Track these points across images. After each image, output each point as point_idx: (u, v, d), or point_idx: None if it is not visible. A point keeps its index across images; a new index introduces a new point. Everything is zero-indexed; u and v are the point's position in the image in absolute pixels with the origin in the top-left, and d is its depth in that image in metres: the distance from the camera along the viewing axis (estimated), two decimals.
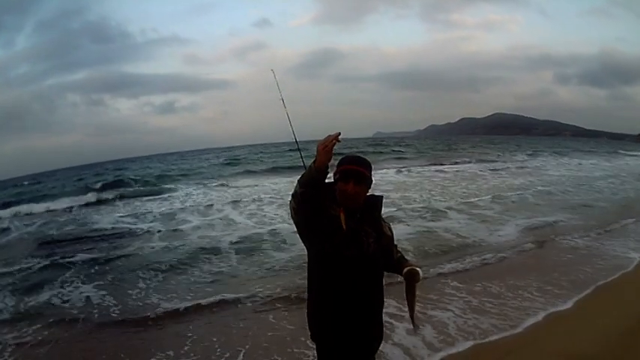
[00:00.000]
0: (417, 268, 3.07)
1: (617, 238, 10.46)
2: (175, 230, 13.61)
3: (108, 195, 23.59)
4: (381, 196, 3.21)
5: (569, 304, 6.72)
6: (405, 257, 3.26)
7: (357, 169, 2.96)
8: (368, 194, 3.06)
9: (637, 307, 6.37)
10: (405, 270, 3.06)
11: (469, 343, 5.71)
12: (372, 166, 3.06)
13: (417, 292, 3.12)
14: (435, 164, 34.65)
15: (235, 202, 17.83)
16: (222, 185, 25.05)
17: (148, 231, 13.80)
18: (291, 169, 30.04)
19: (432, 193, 18.77)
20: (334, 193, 3.02)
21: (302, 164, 3.48)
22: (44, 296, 8.29)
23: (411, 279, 3.06)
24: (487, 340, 5.78)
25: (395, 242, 3.26)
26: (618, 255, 9.07)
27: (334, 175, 3.02)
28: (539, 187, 19.47)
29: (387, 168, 30.52)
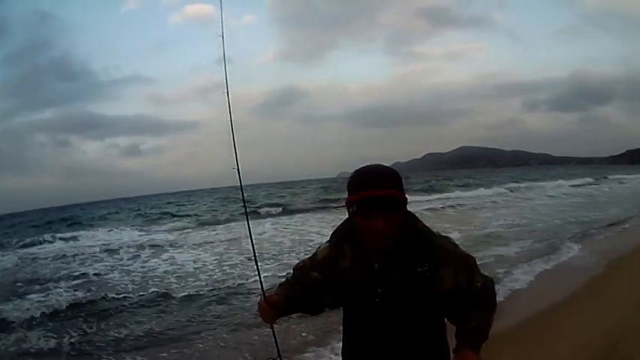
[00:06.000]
0: None
1: None
2: None
3: None
4: (423, 225, 2.09)
5: None
6: (474, 322, 2.10)
7: (383, 194, 1.91)
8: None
9: None
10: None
11: None
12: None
13: None
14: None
15: None
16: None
17: None
18: None
19: None
20: (351, 228, 2.10)
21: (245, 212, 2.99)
22: None
23: None
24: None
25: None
26: None
27: (349, 205, 2.03)
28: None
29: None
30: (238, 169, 2.80)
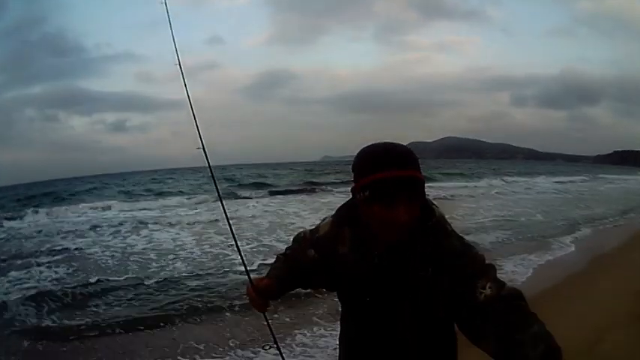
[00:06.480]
0: None
1: None
2: None
3: None
4: (437, 221, 1.73)
5: None
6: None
7: (407, 176, 1.60)
8: None
9: None
10: None
11: None
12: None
13: None
14: None
15: None
16: None
17: None
18: None
19: None
20: (353, 213, 1.82)
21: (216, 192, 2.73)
22: None
23: None
24: None
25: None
26: None
27: (357, 191, 1.70)
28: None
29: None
30: (204, 148, 2.59)
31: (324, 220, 2.04)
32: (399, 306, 1.72)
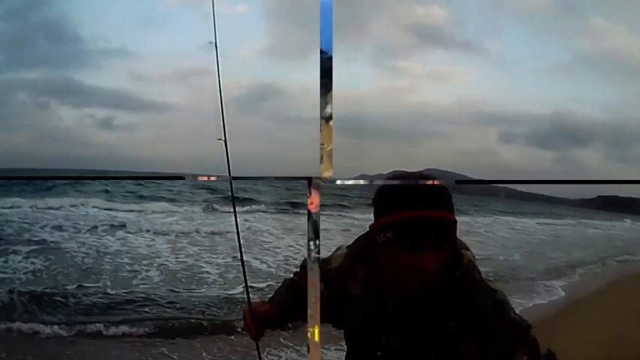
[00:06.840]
0: None
1: None
2: None
3: None
4: (465, 269, 1.48)
5: None
6: None
7: (438, 217, 1.36)
8: None
9: None
10: None
11: None
12: None
13: None
14: None
15: None
16: None
17: None
18: None
19: None
20: (366, 252, 1.56)
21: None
22: None
23: None
24: None
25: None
26: None
27: (377, 230, 1.43)
28: None
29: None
30: (225, 140, 2.28)
31: (337, 249, 1.78)
32: (420, 351, 1.46)
